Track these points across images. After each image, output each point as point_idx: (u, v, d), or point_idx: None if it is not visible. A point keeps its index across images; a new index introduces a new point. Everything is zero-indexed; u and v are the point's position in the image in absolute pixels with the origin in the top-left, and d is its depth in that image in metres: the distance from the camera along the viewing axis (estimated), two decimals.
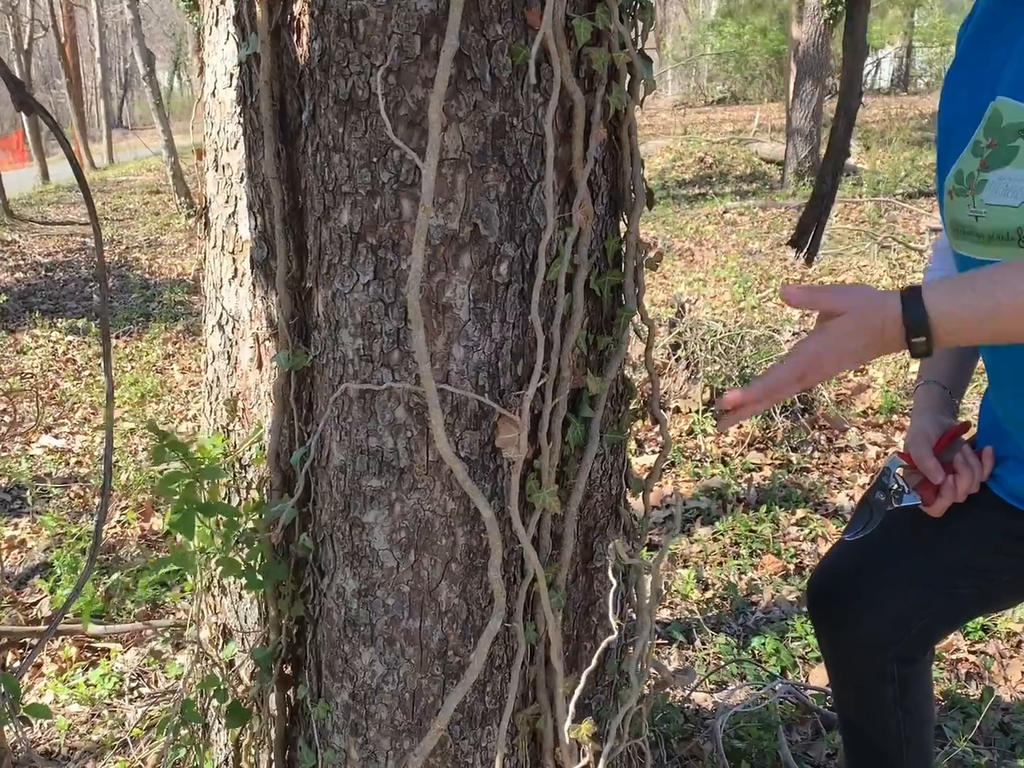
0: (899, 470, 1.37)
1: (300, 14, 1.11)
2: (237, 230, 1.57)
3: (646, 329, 1.31)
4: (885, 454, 3.78)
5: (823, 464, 3.70)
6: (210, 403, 1.67)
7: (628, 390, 1.33)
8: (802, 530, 3.17)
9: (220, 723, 1.74)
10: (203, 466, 1.28)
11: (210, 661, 1.71)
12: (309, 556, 1.29)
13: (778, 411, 3.83)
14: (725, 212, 9.12)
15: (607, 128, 1.17)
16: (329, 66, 1.08)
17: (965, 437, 1.39)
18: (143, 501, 3.50)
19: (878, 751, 1.58)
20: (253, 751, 1.55)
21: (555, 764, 1.28)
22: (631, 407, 1.34)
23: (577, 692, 1.21)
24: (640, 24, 1.18)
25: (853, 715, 1.58)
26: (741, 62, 22.95)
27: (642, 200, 1.23)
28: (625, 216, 1.25)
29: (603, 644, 1.29)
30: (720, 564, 2.97)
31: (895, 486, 1.35)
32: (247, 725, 1.50)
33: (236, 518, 1.34)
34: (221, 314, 1.62)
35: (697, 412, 3.78)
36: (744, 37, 21.14)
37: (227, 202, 1.57)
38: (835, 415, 3.99)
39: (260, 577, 1.34)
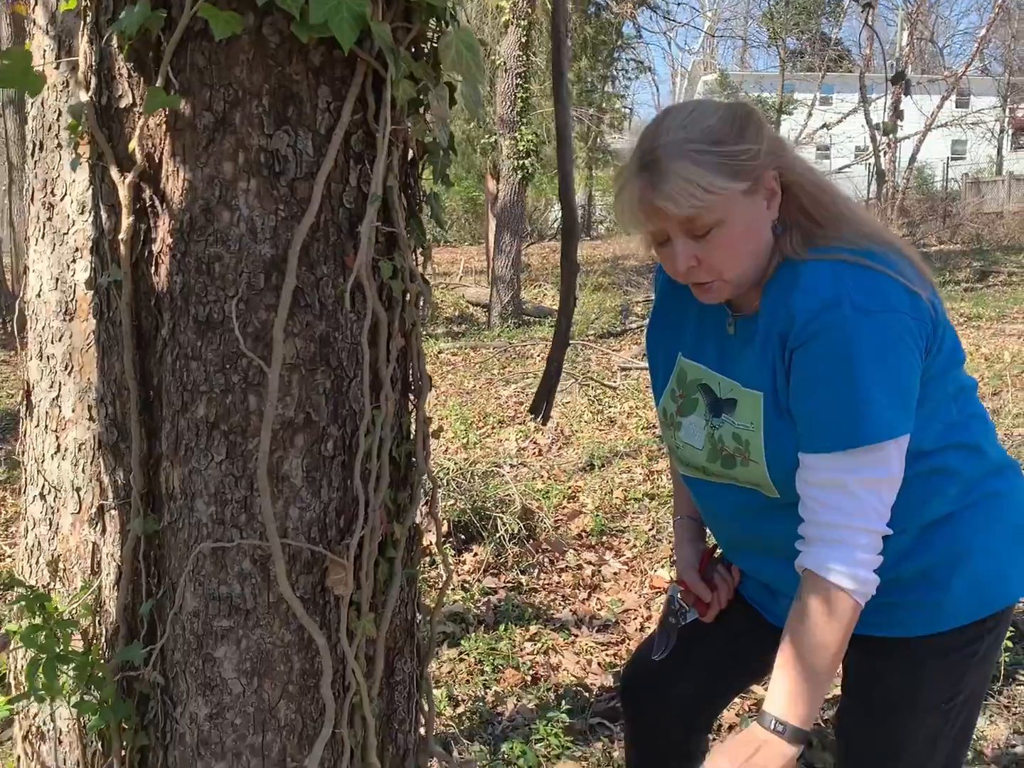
0: (679, 595, 1.80)
1: (160, 253, 1.42)
2: (60, 411, 1.80)
3: (431, 485, 1.68)
4: (599, 572, 4.31)
5: (548, 584, 4.16)
6: (30, 565, 1.85)
7: (419, 533, 1.68)
8: (535, 644, 3.58)
9: None
10: (62, 620, 1.49)
11: None
12: (156, 691, 1.51)
13: (508, 539, 4.27)
14: (440, 353, 9.74)
15: (403, 337, 1.54)
16: (189, 296, 1.39)
17: (716, 555, 1.85)
18: None
19: None
20: None
21: None
22: (420, 546, 1.69)
23: None
24: (423, 259, 1.58)
25: None
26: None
27: (427, 387, 1.61)
28: (413, 398, 1.62)
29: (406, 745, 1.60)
30: (467, 681, 3.31)
31: (678, 608, 1.79)
32: None
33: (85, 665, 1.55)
34: (43, 485, 1.82)
35: (434, 556, 4.14)
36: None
37: (51, 387, 1.80)
38: (555, 539, 4.49)
39: (105, 714, 1.54)
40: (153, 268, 1.44)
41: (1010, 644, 3.04)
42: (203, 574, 1.43)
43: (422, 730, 1.75)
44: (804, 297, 1.41)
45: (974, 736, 2.76)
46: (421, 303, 1.57)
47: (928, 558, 1.53)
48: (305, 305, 1.41)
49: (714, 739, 2.95)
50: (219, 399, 1.40)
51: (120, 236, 1.42)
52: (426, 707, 1.76)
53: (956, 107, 29.07)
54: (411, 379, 1.63)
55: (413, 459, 1.62)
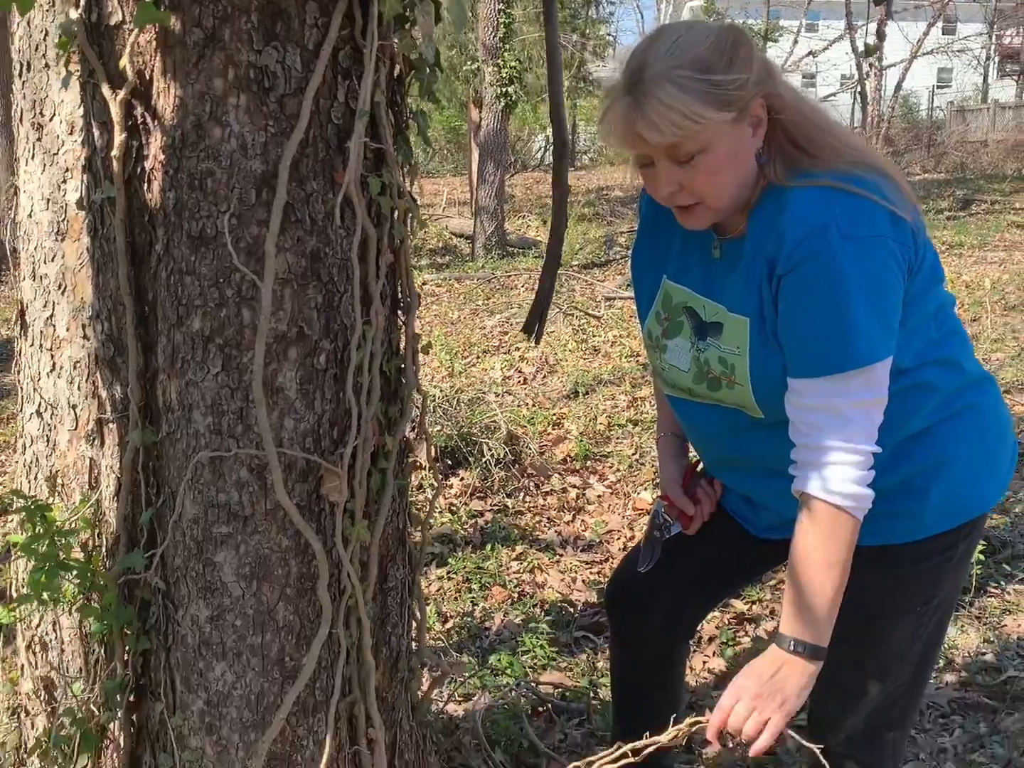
0: (663, 509, 1.86)
1: (152, 170, 1.44)
2: (55, 330, 1.83)
3: (420, 399, 1.73)
4: (583, 495, 4.40)
5: (533, 507, 4.25)
6: (29, 481, 1.89)
7: (409, 446, 1.73)
8: (521, 563, 3.68)
9: None
10: (63, 529, 1.54)
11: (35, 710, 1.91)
12: (158, 596, 1.57)
13: (494, 464, 4.35)
14: (424, 284, 9.73)
15: (392, 253, 1.58)
16: (182, 211, 1.42)
17: (699, 470, 1.91)
18: None
19: (640, 723, 2.07)
20: None
21: (367, 741, 1.64)
22: (411, 459, 1.74)
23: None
24: (410, 176, 1.60)
25: (628, 694, 2.04)
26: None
27: (415, 303, 1.65)
28: (402, 315, 1.66)
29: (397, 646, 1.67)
30: (456, 598, 3.40)
31: (662, 522, 1.85)
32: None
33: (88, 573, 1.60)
34: (40, 403, 1.86)
35: (425, 469, 4.21)
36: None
37: (45, 307, 1.83)
38: (540, 464, 4.56)
39: (108, 618, 1.60)
40: (146, 185, 1.46)
41: (982, 558, 3.14)
42: (202, 482, 1.48)
43: (414, 634, 1.82)
44: (792, 223, 1.43)
45: (947, 645, 2.88)
46: (409, 219, 1.60)
47: (908, 469, 1.59)
48: (296, 220, 1.44)
49: (694, 651, 3.06)
50: (213, 313, 1.44)
51: (113, 153, 1.44)
52: (418, 613, 1.83)
53: (943, 34, 28.79)
54: (400, 296, 1.67)
55: (403, 374, 1.66)
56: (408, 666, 1.79)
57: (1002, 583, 3.30)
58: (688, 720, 1.53)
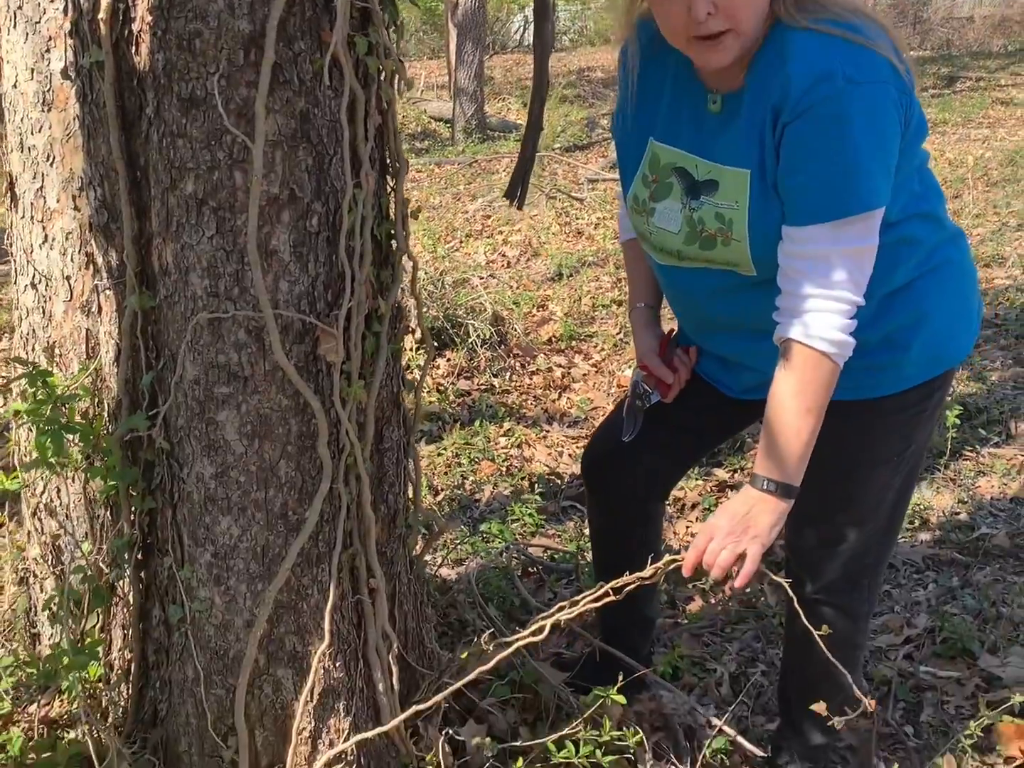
0: (642, 379, 1.91)
1: (140, 32, 1.44)
2: (45, 202, 1.84)
3: (411, 264, 1.75)
4: (568, 373, 4.46)
5: (519, 386, 4.32)
6: (26, 353, 1.92)
7: (401, 312, 1.76)
8: (509, 439, 3.76)
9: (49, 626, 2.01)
10: (65, 393, 1.58)
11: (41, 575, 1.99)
12: (162, 456, 1.62)
13: (480, 344, 4.39)
14: None
15: (380, 115, 1.59)
16: (172, 73, 1.42)
17: (673, 339, 1.96)
18: None
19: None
20: (107, 634, 1.86)
21: (369, 591, 1.72)
22: (403, 324, 1.78)
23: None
24: (396, 37, 1.60)
25: (609, 556, 2.12)
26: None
27: (404, 168, 1.67)
28: (392, 180, 1.68)
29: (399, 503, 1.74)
30: (446, 473, 3.49)
31: (642, 392, 1.90)
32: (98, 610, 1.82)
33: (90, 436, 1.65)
34: (34, 275, 1.88)
35: (411, 350, 4.25)
36: None
37: (34, 178, 1.83)
38: (526, 344, 4.61)
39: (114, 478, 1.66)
40: (134, 47, 1.46)
41: (957, 422, 3.23)
42: (201, 344, 1.51)
43: (410, 492, 1.89)
44: (798, 70, 1.44)
45: (922, 505, 2.99)
46: (397, 81, 1.60)
47: (891, 322, 1.64)
48: (284, 81, 1.44)
49: (677, 518, 3.17)
50: (206, 176, 1.45)
51: (100, 15, 1.43)
52: (413, 473, 1.90)
53: None
54: (388, 160, 1.68)
55: (393, 239, 1.69)
56: (405, 523, 1.86)
57: (977, 447, 3.41)
58: (665, 559, 1.60)
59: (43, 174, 1.83)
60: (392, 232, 1.68)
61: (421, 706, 1.64)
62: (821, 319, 1.48)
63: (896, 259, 1.60)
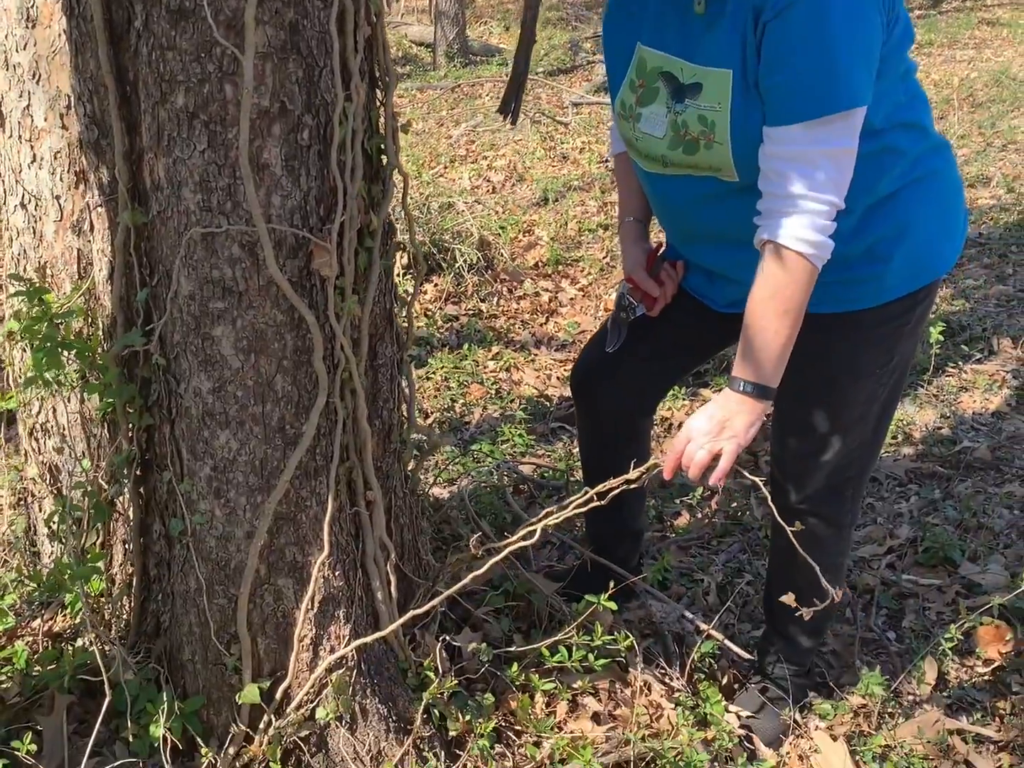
0: (628, 291, 1.93)
1: None
2: (32, 121, 1.83)
3: (401, 180, 1.76)
4: (555, 298, 4.47)
5: (507, 310, 4.33)
6: (18, 273, 1.92)
7: (392, 228, 1.77)
8: (498, 363, 3.79)
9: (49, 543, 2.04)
10: (61, 310, 1.59)
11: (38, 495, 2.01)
12: (159, 372, 1.63)
13: (467, 269, 4.39)
14: None
15: (370, 27, 1.58)
16: None
17: (660, 254, 1.97)
18: None
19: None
20: (107, 549, 1.90)
21: (366, 503, 1.75)
22: (395, 241, 1.79)
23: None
24: None
25: (597, 468, 2.16)
26: None
27: (394, 81, 1.66)
28: (381, 93, 1.67)
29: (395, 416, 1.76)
30: (435, 396, 3.52)
31: (628, 304, 1.92)
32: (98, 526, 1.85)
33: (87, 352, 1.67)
34: (23, 195, 1.87)
35: (398, 276, 4.24)
36: None
37: (20, 97, 1.82)
38: (513, 269, 4.61)
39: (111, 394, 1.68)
40: None
41: (941, 339, 3.27)
42: (195, 259, 1.52)
43: (404, 408, 1.91)
44: None
45: (905, 421, 3.04)
46: None
47: (873, 234, 1.66)
48: None
49: (665, 437, 3.21)
50: (196, 89, 1.45)
51: None
52: (406, 390, 1.92)
53: None
54: (378, 74, 1.67)
55: (384, 153, 1.69)
56: (400, 438, 1.89)
57: (959, 363, 3.45)
58: (649, 462, 1.64)
59: (29, 92, 1.82)
60: (382, 147, 1.68)
61: (418, 611, 1.68)
62: (800, 220, 1.50)
63: (880, 169, 1.62)
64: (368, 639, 1.68)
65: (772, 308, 1.54)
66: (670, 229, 1.91)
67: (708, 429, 1.60)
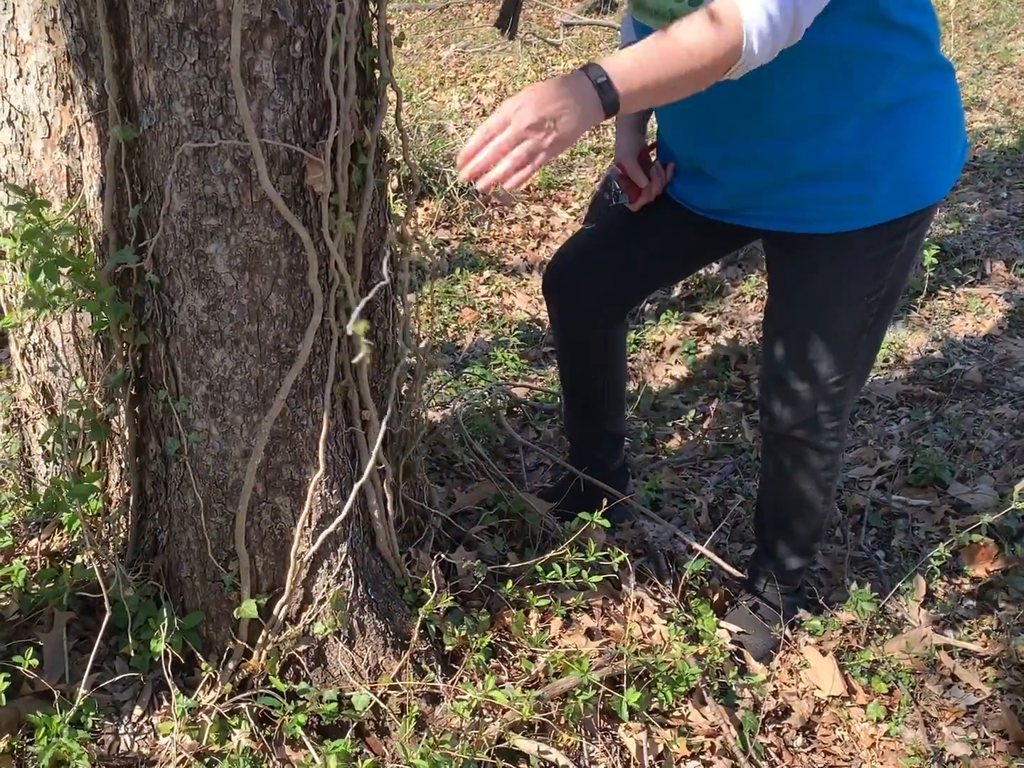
0: (616, 177, 1.92)
1: None
2: (18, 34, 1.78)
3: (395, 95, 1.73)
4: (547, 222, 4.44)
5: (498, 235, 4.30)
6: (6, 192, 1.90)
7: (385, 144, 1.75)
8: (489, 287, 3.77)
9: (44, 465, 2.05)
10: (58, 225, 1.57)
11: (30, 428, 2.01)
12: (152, 291, 1.62)
13: (458, 193, 4.35)
14: None
15: None
16: None
17: (653, 153, 1.96)
18: None
19: (586, 400, 2.22)
20: (103, 469, 1.90)
21: (361, 422, 1.76)
22: (388, 158, 1.77)
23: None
24: None
25: (572, 372, 2.17)
26: None
27: None
28: (374, 5, 1.64)
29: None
30: (427, 321, 3.50)
31: (613, 189, 1.91)
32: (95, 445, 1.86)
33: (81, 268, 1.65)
34: (10, 111, 1.83)
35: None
36: None
37: (4, 9, 1.77)
38: (504, 193, 4.55)
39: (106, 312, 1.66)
40: None
41: (935, 261, 3.26)
42: (187, 175, 1.50)
43: (399, 329, 1.91)
44: None
45: (897, 344, 3.05)
46: None
47: (866, 149, 1.64)
48: None
49: (656, 361, 3.22)
50: None
51: None
52: (401, 310, 1.92)
53: None
54: None
55: (377, 67, 1.66)
56: (395, 358, 1.89)
57: (952, 287, 3.46)
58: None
59: (13, 5, 1.77)
60: (376, 60, 1.65)
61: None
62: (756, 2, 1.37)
63: (881, 73, 1.59)
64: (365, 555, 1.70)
65: (682, 37, 1.38)
66: (664, 119, 1.86)
67: (534, 121, 1.35)
